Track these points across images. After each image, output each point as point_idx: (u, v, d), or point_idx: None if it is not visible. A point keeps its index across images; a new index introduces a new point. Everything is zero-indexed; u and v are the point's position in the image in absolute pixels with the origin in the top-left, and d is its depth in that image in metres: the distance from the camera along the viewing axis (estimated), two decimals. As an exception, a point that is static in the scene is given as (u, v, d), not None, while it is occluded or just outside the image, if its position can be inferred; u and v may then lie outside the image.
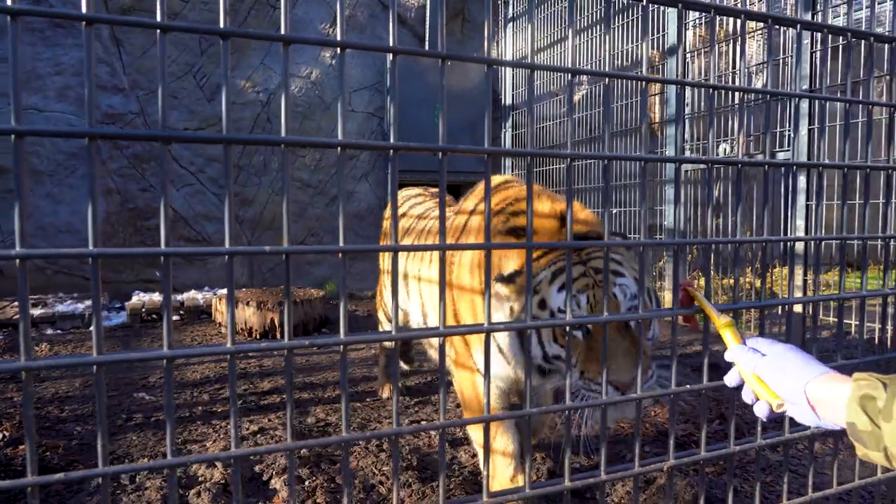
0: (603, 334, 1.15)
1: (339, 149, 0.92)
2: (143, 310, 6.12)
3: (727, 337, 1.18)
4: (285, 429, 3.15)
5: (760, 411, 1.10)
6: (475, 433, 2.17)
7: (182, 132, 0.81)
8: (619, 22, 6.96)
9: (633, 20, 6.52)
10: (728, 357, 1.17)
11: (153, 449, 2.92)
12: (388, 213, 3.45)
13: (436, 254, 2.38)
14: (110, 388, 4.00)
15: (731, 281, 6.42)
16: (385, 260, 3.41)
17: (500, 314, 1.72)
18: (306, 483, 2.51)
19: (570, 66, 1.10)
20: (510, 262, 1.82)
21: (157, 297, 6.43)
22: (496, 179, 2.20)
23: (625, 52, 6.71)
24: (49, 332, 5.68)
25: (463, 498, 1.08)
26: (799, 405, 1.03)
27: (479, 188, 2.31)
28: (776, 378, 1.06)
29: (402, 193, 3.38)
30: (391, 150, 0.94)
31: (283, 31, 0.87)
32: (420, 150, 0.97)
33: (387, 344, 3.69)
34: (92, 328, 0.81)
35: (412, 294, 2.81)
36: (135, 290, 6.87)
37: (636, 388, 1.22)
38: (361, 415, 3.42)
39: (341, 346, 0.95)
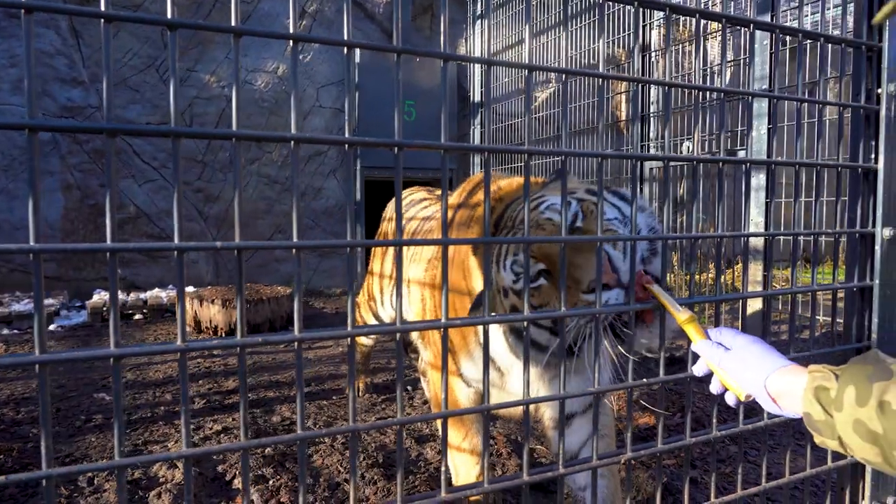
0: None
1: (292, 143, 0.91)
2: (105, 308, 5.98)
3: (690, 332, 1.21)
4: (248, 428, 3.12)
5: (730, 401, 1.16)
6: (448, 435, 2.16)
7: (127, 124, 0.79)
8: (587, 20, 7.03)
9: (600, 18, 6.58)
10: (694, 350, 1.21)
11: (113, 450, 2.86)
12: (386, 213, 3.36)
13: (424, 255, 2.37)
14: (69, 388, 3.89)
15: (700, 276, 6.55)
16: (375, 262, 3.37)
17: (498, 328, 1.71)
18: (270, 482, 2.48)
19: (527, 63, 1.10)
20: (471, 261, 1.84)
21: (119, 295, 6.28)
22: (479, 176, 2.19)
23: (591, 50, 6.77)
24: (5, 331, 5.52)
25: (423, 494, 1.08)
26: (761, 397, 1.07)
27: (463, 185, 2.31)
28: (738, 372, 1.11)
29: (406, 196, 3.29)
30: (346, 145, 0.93)
31: (233, 23, 0.85)
32: (376, 146, 0.96)
33: (364, 341, 3.65)
34: (35, 326, 0.79)
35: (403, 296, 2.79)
36: (96, 288, 6.70)
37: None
38: (328, 412, 3.39)
39: (296, 343, 0.94)
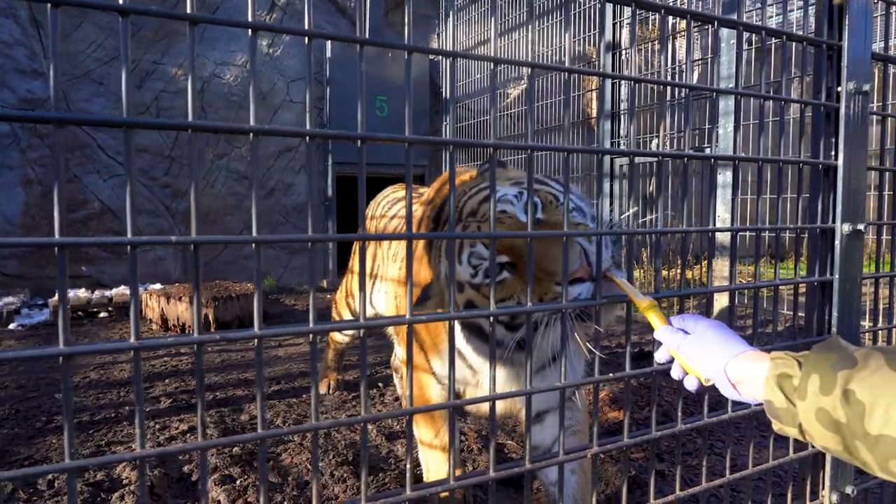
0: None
1: (251, 135, 0.89)
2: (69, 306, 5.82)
3: (652, 318, 1.21)
4: (216, 427, 3.07)
5: (690, 385, 1.14)
6: (420, 432, 2.15)
7: (75, 114, 0.76)
8: (558, 17, 7.06)
9: (574, 15, 6.61)
10: (656, 336, 1.20)
11: (75, 452, 2.78)
12: (368, 212, 3.30)
13: (401, 254, 2.35)
14: (30, 388, 3.79)
15: (669, 271, 6.64)
16: (355, 260, 3.33)
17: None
18: (238, 482, 2.44)
19: (493, 56, 1.09)
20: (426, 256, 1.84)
21: (83, 292, 6.13)
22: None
23: (562, 47, 6.80)
24: (-38, 331, 5.35)
25: (387, 492, 1.07)
26: (720, 382, 1.06)
27: (435, 182, 2.31)
28: (698, 357, 1.09)
29: (387, 194, 3.22)
30: (307, 137, 0.91)
31: (188, 10, 0.83)
32: (337, 138, 0.95)
33: (338, 338, 3.62)
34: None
35: (378, 293, 2.79)
36: (59, 285, 6.52)
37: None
38: (298, 410, 3.35)
39: (256, 340, 0.92)
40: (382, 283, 2.70)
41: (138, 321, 0.83)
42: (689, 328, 1.16)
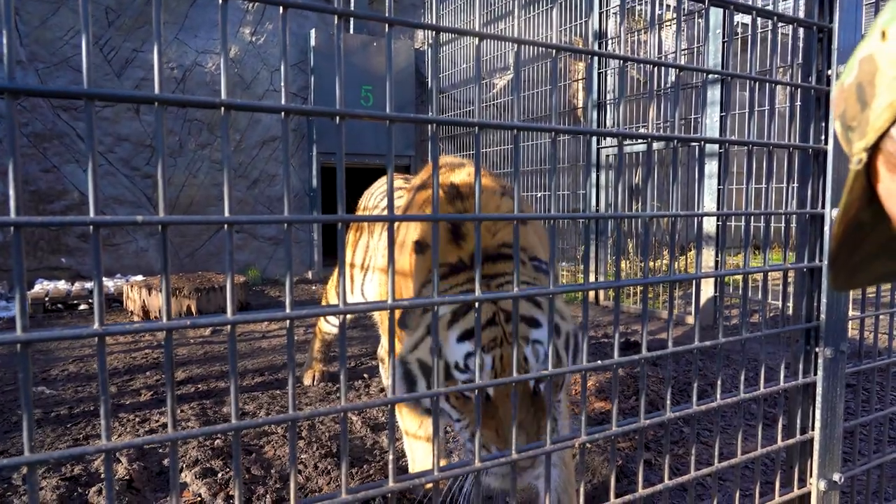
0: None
1: (222, 109, 0.84)
2: (47, 299, 5.72)
3: None
4: (198, 419, 3.01)
5: None
6: (404, 422, 2.12)
7: (30, 85, 0.71)
8: (543, 7, 7.03)
9: (559, 4, 6.57)
10: None
11: (51, 446, 2.72)
12: (360, 204, 3.25)
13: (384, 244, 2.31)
14: (6, 381, 3.71)
15: (655, 262, 6.65)
16: (346, 252, 3.28)
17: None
18: (219, 475, 2.40)
19: (478, 31, 1.05)
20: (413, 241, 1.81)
21: (62, 284, 6.02)
22: (443, 159, 2.15)
23: (549, 37, 6.76)
24: (-63, 324, 5.23)
25: (369, 483, 1.03)
26: None
27: (427, 168, 2.28)
28: None
29: (380, 185, 3.16)
30: (282, 113, 0.87)
31: (153, -25, 0.77)
32: (315, 114, 0.90)
33: (325, 328, 3.57)
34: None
35: (368, 283, 2.75)
36: (38, 278, 6.41)
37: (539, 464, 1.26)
38: (281, 402, 3.31)
39: (229, 327, 0.88)
40: (373, 274, 2.66)
41: (103, 306, 0.79)
42: None
